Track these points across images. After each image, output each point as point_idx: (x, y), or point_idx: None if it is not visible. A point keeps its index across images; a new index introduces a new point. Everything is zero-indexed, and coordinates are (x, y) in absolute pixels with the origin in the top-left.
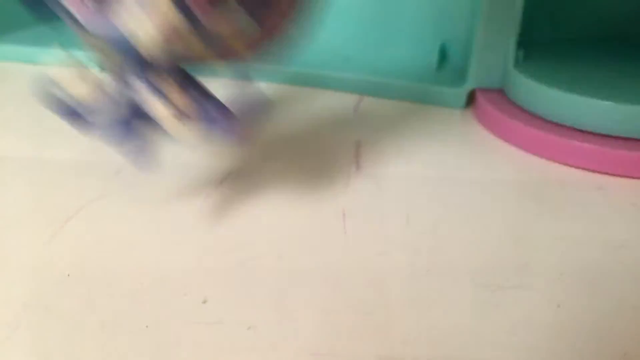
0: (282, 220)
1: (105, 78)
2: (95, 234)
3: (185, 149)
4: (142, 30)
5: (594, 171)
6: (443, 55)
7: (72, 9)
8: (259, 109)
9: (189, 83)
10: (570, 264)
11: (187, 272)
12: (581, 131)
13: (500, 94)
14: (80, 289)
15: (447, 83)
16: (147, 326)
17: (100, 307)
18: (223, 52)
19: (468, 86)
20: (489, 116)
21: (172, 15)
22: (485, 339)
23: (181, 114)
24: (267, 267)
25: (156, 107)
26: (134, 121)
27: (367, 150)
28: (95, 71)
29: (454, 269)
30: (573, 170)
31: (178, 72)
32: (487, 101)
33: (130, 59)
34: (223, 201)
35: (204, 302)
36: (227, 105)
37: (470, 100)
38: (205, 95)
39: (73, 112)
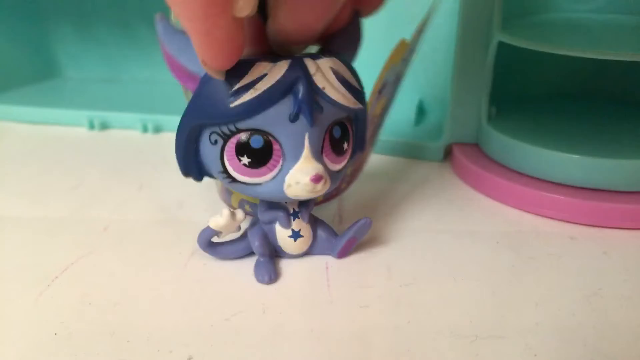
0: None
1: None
2: (82, 292)
3: (174, 207)
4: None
5: (566, 221)
6: (421, 111)
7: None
8: (364, 231)
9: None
10: (546, 313)
11: (173, 329)
12: (553, 183)
13: (476, 148)
14: (67, 349)
15: (425, 138)
16: None
17: None
18: (332, 195)
19: (444, 141)
20: (465, 169)
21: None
22: None
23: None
24: (251, 322)
25: (281, 234)
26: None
27: (349, 202)
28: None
29: (434, 321)
30: (546, 220)
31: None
32: (463, 155)
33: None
34: (209, 257)
35: (189, 359)
36: (333, 229)
37: (448, 153)
38: (317, 222)
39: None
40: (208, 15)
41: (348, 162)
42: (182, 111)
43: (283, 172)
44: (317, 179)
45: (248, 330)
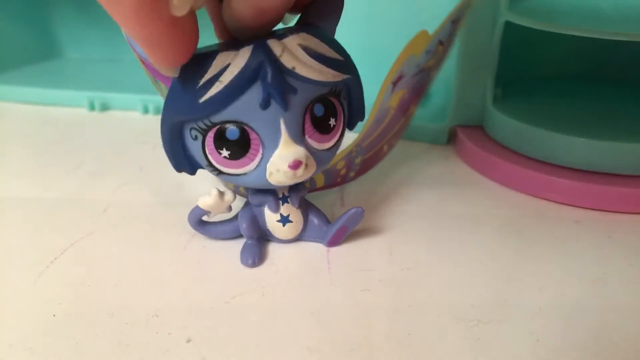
0: (265, 256)
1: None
2: (81, 273)
3: (174, 189)
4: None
5: (571, 205)
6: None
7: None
8: (356, 220)
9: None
10: (549, 298)
11: (171, 311)
12: (558, 166)
13: (480, 130)
14: (65, 330)
15: (429, 120)
16: None
17: (85, 347)
18: (336, 182)
19: (449, 123)
20: (469, 152)
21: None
22: None
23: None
24: (250, 305)
25: (270, 218)
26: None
27: (351, 185)
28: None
29: (436, 304)
30: (551, 204)
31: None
32: (468, 138)
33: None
34: (209, 240)
35: (188, 341)
36: (326, 217)
37: (452, 136)
38: (310, 207)
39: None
40: (144, 23)
41: (342, 136)
42: None
43: (265, 161)
44: (295, 165)
45: (247, 313)
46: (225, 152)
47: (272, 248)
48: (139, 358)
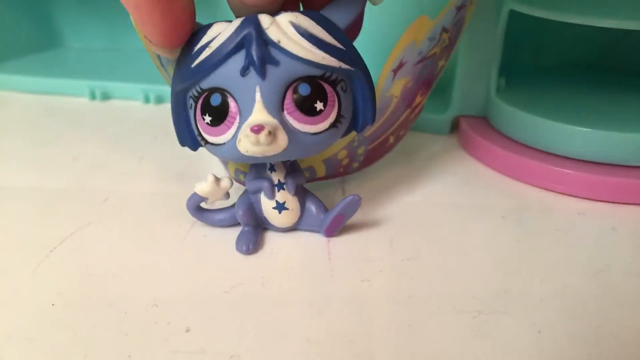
0: (266, 246)
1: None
2: (80, 263)
3: (174, 179)
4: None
5: (575, 196)
6: None
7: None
8: (353, 209)
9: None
10: (551, 289)
11: (171, 301)
12: (562, 157)
13: (483, 121)
14: (64, 319)
15: (431, 110)
16: (129, 356)
17: (84, 337)
18: (339, 172)
19: (451, 113)
20: (472, 142)
21: None
22: None
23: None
24: (250, 295)
25: (266, 205)
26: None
27: (352, 176)
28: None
29: (436, 295)
30: (555, 195)
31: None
32: (470, 127)
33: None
34: (209, 229)
35: (187, 330)
36: (324, 205)
37: (454, 126)
38: (307, 196)
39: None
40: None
41: (337, 128)
42: None
43: (239, 129)
44: (258, 129)
45: (247, 303)
46: (207, 118)
47: (273, 238)
48: (138, 347)
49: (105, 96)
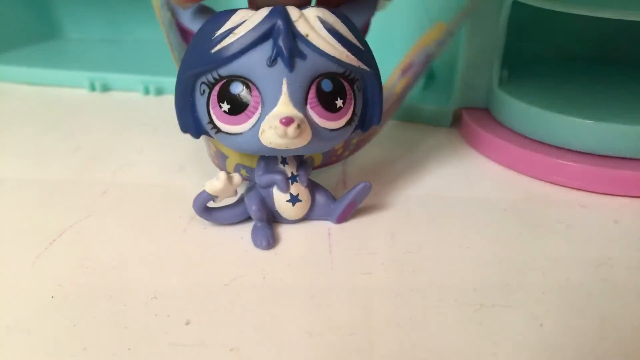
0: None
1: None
2: (79, 255)
3: (174, 171)
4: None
5: (577, 189)
6: (430, 76)
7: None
8: (364, 195)
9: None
10: (553, 282)
11: (171, 293)
12: (564, 149)
13: (486, 113)
14: (63, 312)
15: (434, 102)
16: (129, 348)
17: (83, 330)
18: (332, 160)
19: (453, 105)
20: (474, 135)
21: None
22: (469, 358)
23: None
24: (251, 288)
25: (279, 198)
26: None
27: (353, 167)
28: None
29: (438, 288)
30: (556, 187)
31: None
32: (472, 120)
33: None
34: (208, 221)
35: (187, 323)
36: (331, 194)
37: (457, 118)
38: (315, 186)
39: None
40: None
41: (350, 125)
42: None
43: (261, 120)
44: (287, 121)
45: (247, 296)
46: (225, 106)
47: (274, 230)
48: (138, 340)
49: (105, 87)
